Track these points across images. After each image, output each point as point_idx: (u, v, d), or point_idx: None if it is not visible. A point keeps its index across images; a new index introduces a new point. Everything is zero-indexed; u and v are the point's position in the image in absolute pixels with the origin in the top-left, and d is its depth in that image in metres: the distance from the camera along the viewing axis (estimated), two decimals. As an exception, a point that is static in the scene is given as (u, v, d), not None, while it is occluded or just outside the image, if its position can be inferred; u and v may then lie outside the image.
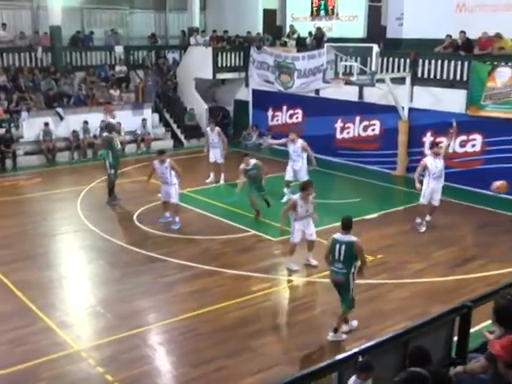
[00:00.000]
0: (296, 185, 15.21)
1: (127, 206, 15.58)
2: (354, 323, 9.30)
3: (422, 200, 13.75)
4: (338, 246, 8.78)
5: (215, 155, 17.64)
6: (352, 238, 8.81)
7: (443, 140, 15.96)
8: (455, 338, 5.81)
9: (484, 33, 17.34)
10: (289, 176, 15.71)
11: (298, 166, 15.48)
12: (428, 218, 13.90)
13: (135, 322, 9.52)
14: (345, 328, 9.17)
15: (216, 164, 17.69)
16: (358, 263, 8.93)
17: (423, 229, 13.74)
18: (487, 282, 10.43)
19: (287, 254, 11.69)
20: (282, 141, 16.49)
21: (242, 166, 14.23)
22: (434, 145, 14.04)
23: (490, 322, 5.67)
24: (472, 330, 5.82)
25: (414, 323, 5.47)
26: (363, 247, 8.95)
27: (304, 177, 15.19)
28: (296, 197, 11.32)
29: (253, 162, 14.28)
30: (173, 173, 13.85)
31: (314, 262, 11.64)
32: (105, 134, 17.15)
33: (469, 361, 5.59)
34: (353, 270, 8.88)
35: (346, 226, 8.86)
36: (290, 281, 11.25)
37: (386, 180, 18.33)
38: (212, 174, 17.84)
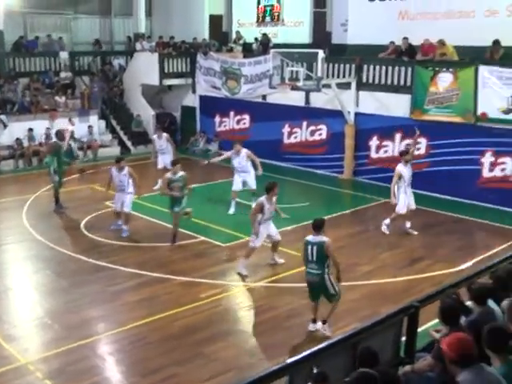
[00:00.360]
0: (245, 191, 15.27)
1: (74, 214, 15.30)
2: (319, 325, 9.36)
3: (402, 210, 13.68)
4: (309, 248, 9.04)
5: (165, 161, 17.49)
6: (323, 238, 9.05)
7: (389, 144, 16.28)
8: (403, 338, 5.89)
9: (426, 39, 17.71)
10: (237, 187, 15.54)
11: (246, 175, 15.45)
12: (408, 224, 13.97)
13: (83, 333, 9.35)
14: (311, 326, 9.32)
15: (166, 170, 17.53)
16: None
17: (388, 231, 13.90)
18: (434, 281, 10.63)
19: (241, 258, 11.69)
20: (227, 155, 16.04)
21: (168, 175, 13.33)
22: (404, 152, 14.16)
23: (436, 321, 5.78)
24: (419, 330, 5.92)
25: (363, 324, 5.52)
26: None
27: (253, 184, 15.23)
28: (262, 199, 11.36)
29: (181, 173, 13.35)
30: (130, 181, 13.63)
31: (280, 261, 11.86)
32: (53, 140, 16.84)
33: (416, 360, 5.68)
34: (327, 269, 9.07)
35: (316, 227, 9.12)
36: (240, 286, 11.24)
37: (333, 184, 18.54)
38: (160, 181, 17.66)
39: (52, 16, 26.21)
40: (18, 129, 21.03)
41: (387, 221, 13.89)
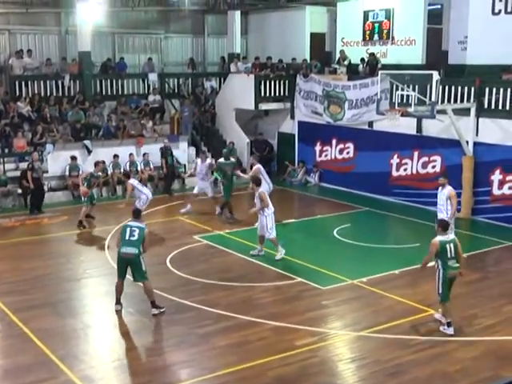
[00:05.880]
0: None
1: (159, 247, 15.56)
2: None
3: None
4: (448, 246, 10.74)
5: (201, 187, 18.95)
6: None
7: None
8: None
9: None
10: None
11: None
12: None
13: (167, 379, 9.49)
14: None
15: (203, 195, 19.02)
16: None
17: None
18: None
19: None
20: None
21: None
22: None
23: None
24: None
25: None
26: None
27: None
28: None
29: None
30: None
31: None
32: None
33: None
34: None
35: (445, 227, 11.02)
36: (340, 335, 11.06)
37: (448, 223, 18.02)
38: (189, 205, 18.86)
39: (141, 36, 27.31)
40: (102, 155, 21.71)
41: None
